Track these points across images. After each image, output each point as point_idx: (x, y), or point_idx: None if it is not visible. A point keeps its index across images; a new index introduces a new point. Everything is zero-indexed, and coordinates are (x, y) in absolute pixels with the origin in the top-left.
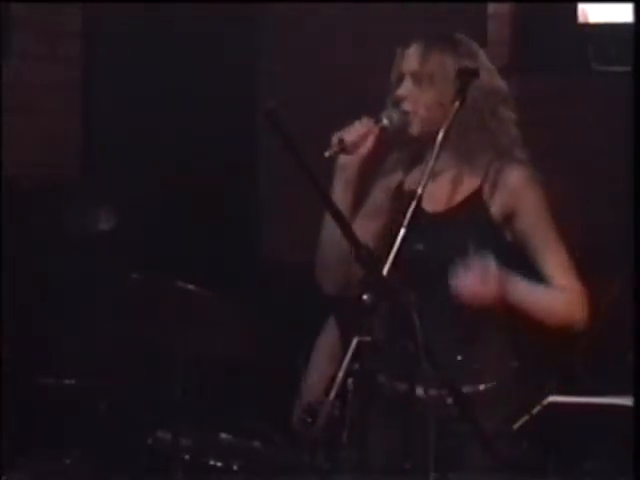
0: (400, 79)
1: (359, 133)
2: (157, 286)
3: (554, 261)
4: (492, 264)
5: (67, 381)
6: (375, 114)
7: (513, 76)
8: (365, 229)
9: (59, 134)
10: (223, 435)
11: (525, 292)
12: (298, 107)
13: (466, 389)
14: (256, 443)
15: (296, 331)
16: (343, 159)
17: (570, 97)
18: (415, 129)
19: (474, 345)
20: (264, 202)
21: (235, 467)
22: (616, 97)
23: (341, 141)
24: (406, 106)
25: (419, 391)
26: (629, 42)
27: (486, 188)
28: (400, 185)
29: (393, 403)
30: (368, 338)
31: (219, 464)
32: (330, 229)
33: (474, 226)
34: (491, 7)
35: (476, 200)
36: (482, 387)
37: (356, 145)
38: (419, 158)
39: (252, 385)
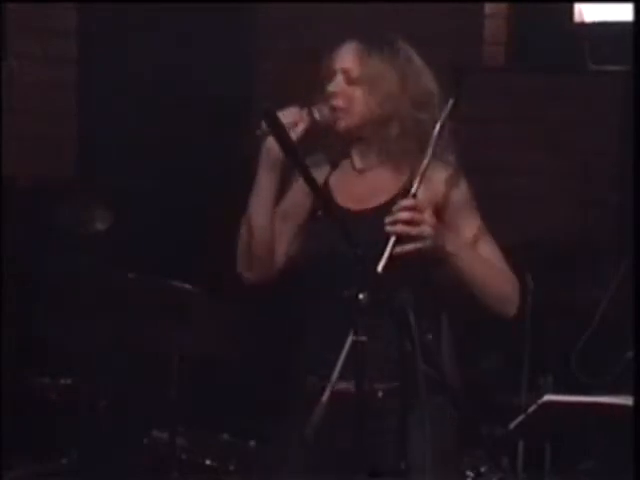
0: (332, 75)
1: (290, 119)
2: (154, 286)
3: (488, 250)
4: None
5: (63, 381)
6: None
7: (509, 75)
8: (283, 225)
9: (55, 134)
10: (219, 435)
11: (462, 247)
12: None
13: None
14: (252, 443)
15: (293, 330)
16: (271, 142)
17: (566, 96)
18: (343, 126)
19: None
20: None
21: (231, 467)
22: (612, 97)
23: (290, 139)
24: (337, 102)
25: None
26: (625, 42)
27: (413, 187)
28: (325, 183)
29: (385, 403)
30: (364, 338)
31: (215, 464)
32: (259, 218)
33: None
34: (488, 7)
35: (402, 198)
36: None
37: (290, 127)
38: (344, 156)
39: (249, 384)
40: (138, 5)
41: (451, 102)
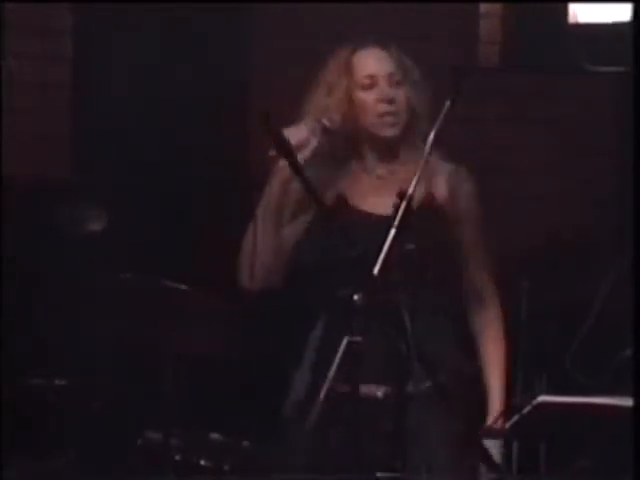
0: (368, 83)
1: (304, 135)
2: (147, 286)
3: (483, 274)
4: None
5: (57, 381)
6: None
7: (504, 75)
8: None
9: (49, 134)
10: (214, 435)
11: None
12: (291, 105)
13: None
14: (246, 443)
15: (287, 329)
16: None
17: (561, 97)
18: (394, 132)
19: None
20: (252, 202)
21: (226, 467)
22: (607, 97)
23: (287, 142)
24: (387, 108)
25: (409, 391)
26: (620, 42)
27: (437, 191)
28: (341, 195)
29: (382, 403)
30: (359, 338)
31: (210, 464)
32: (262, 227)
33: (429, 230)
34: (483, 7)
35: (432, 203)
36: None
37: (300, 147)
38: (356, 162)
39: (242, 384)
40: (136, 5)
41: (448, 103)
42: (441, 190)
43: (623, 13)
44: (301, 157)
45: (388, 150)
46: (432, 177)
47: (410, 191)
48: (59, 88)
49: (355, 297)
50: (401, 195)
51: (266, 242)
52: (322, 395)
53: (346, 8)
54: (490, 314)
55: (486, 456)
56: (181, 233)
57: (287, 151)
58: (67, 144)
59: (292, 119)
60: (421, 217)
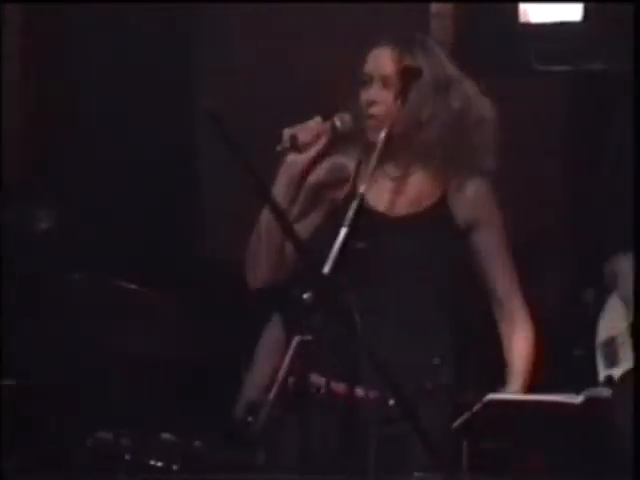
0: (366, 81)
1: (312, 133)
2: (99, 286)
3: (505, 283)
4: None
5: (6, 381)
6: (321, 113)
7: None
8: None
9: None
10: (163, 435)
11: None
12: (242, 106)
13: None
14: (196, 443)
15: (239, 330)
16: (293, 157)
17: (511, 97)
18: (377, 135)
19: (417, 344)
20: (207, 202)
21: (175, 467)
22: (557, 97)
23: (294, 138)
24: (375, 110)
25: (359, 392)
26: (570, 42)
27: (451, 197)
28: (353, 186)
29: (333, 404)
30: (309, 337)
31: (160, 464)
32: (265, 226)
33: (435, 233)
34: (434, 6)
35: (441, 208)
36: (426, 386)
37: (308, 145)
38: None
39: (192, 384)
40: (86, 4)
41: (398, 103)
42: (454, 194)
43: (573, 13)
44: (305, 157)
45: (395, 152)
46: (448, 180)
47: (361, 190)
48: (8, 87)
49: (305, 296)
50: (441, 202)
51: (271, 242)
52: (272, 395)
53: (297, 7)
54: (515, 324)
55: (437, 456)
56: (132, 232)
57: (233, 148)
58: (17, 144)
59: (246, 118)
60: (429, 218)
